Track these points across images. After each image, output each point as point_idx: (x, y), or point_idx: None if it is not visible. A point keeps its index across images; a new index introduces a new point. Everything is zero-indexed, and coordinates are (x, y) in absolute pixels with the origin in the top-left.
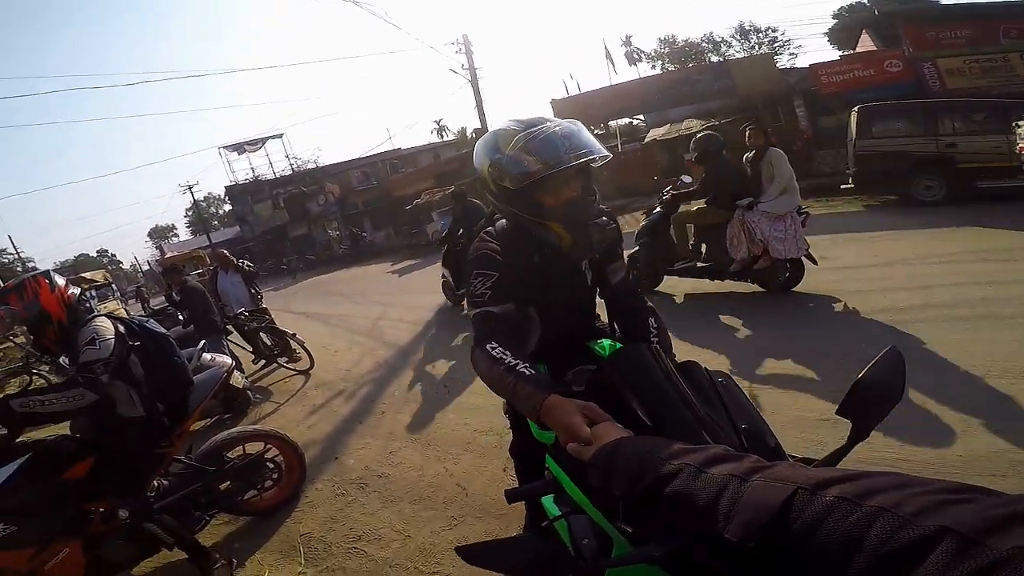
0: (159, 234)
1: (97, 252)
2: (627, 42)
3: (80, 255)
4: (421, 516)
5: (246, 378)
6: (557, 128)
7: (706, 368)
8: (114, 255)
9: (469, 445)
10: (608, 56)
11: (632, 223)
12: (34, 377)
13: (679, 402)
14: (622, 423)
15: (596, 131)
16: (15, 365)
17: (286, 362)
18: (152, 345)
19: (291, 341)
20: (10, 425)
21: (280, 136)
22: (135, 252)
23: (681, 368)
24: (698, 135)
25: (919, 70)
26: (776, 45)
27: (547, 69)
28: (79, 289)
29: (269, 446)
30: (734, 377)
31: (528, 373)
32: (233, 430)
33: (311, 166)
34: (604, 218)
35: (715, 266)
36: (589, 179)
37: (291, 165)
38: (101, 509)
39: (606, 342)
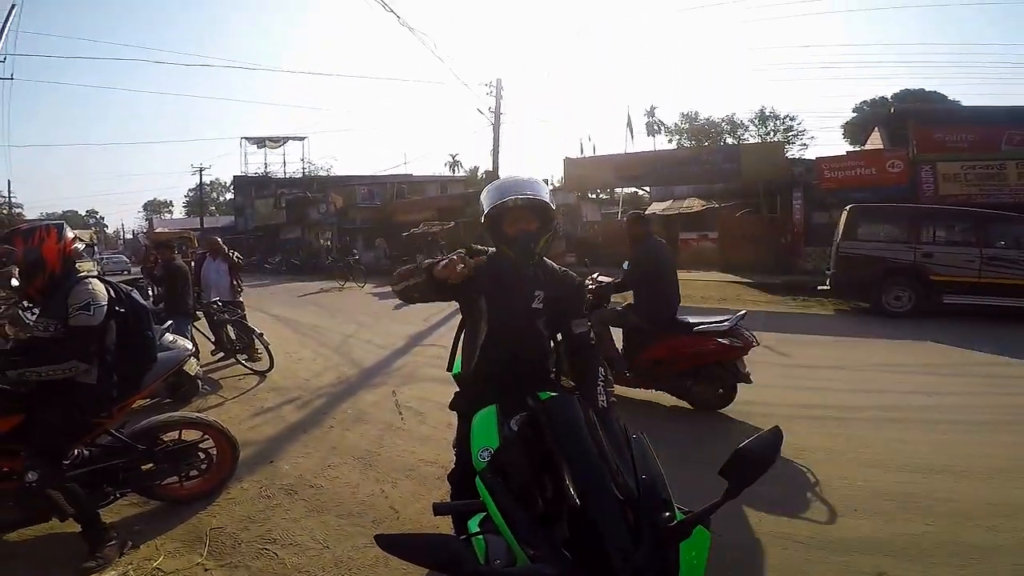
0: (154, 208)
1: (86, 211)
2: (650, 112)
3: (68, 211)
4: (346, 530)
5: (200, 367)
6: (514, 177)
7: (624, 424)
8: (102, 217)
9: (411, 472)
10: (628, 123)
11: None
12: None
13: (593, 451)
14: (545, 462)
15: (602, 195)
16: None
17: (245, 360)
18: (131, 316)
19: (256, 340)
20: (13, 386)
21: (303, 139)
22: (124, 220)
23: (602, 419)
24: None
25: (917, 173)
26: (790, 134)
27: (567, 126)
28: (83, 245)
29: (206, 436)
30: None
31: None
32: (176, 413)
33: (322, 173)
34: (563, 271)
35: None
36: (538, 221)
37: (303, 169)
38: (7, 468)
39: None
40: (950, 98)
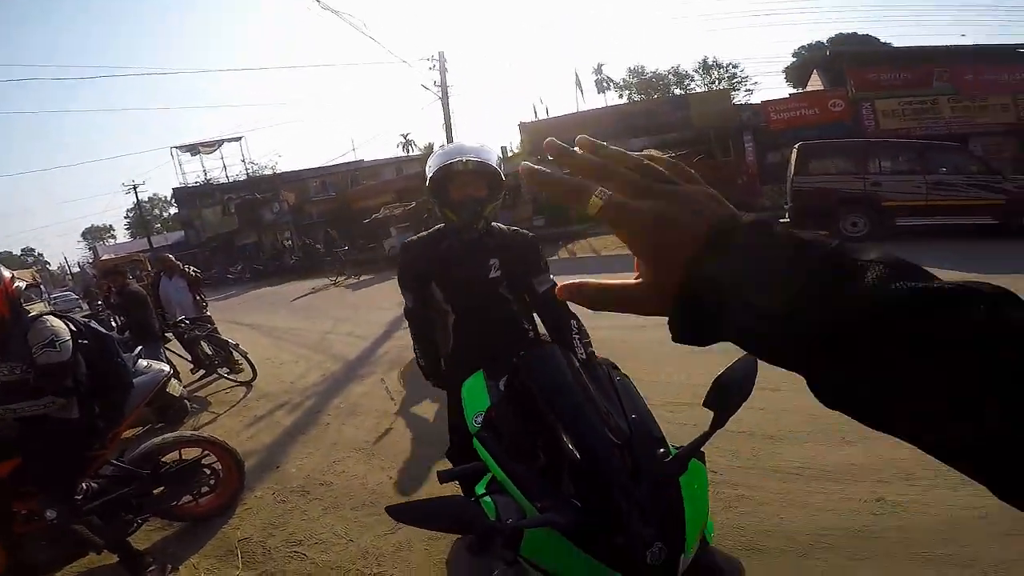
0: (94, 235)
1: (22, 251)
2: (598, 70)
3: (2, 252)
4: (363, 521)
5: (183, 387)
6: (457, 142)
7: (606, 366)
8: (40, 254)
9: (412, 454)
10: (577, 83)
11: (581, 250)
12: None
13: (581, 398)
14: (536, 416)
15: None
16: None
17: (227, 373)
18: (95, 345)
19: (233, 351)
20: None
21: (239, 139)
22: (65, 253)
23: (584, 365)
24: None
25: (858, 110)
26: (735, 81)
27: (519, 91)
28: (24, 283)
29: (206, 452)
30: None
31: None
32: (168, 435)
33: (268, 172)
34: (513, 230)
35: None
36: (486, 187)
37: (247, 170)
38: (24, 512)
39: None
40: (882, 40)
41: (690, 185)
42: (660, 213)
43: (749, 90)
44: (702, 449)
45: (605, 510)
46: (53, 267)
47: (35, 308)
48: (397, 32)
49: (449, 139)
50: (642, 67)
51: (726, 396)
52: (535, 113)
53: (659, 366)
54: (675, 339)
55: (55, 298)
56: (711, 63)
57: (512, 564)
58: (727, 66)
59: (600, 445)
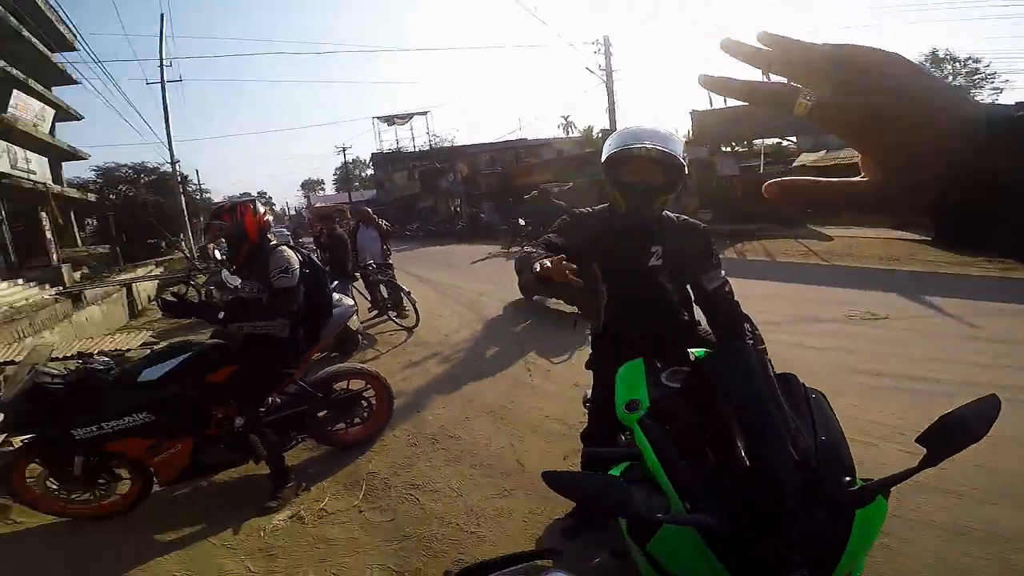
0: (309, 186)
1: (258, 193)
2: None
3: (244, 193)
4: (478, 480)
5: (360, 323)
6: (640, 126)
7: (803, 383)
8: (271, 197)
9: (537, 428)
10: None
11: (752, 252)
12: (189, 286)
13: (773, 409)
14: (707, 417)
15: (738, 148)
16: (177, 274)
17: (396, 316)
18: (313, 275)
19: (405, 298)
20: (229, 341)
21: (426, 113)
22: (287, 199)
23: (779, 378)
24: None
25: None
26: (976, 78)
27: (692, 78)
28: (271, 218)
29: (369, 386)
30: None
31: (543, 256)
32: (344, 364)
33: (447, 145)
34: (683, 219)
35: None
36: (663, 175)
37: (430, 142)
38: (221, 415)
39: (703, 352)
40: None
41: (919, 78)
42: (882, 108)
43: (998, 88)
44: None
45: (761, 524)
46: (277, 209)
47: (273, 239)
48: (565, 15)
49: (612, 122)
50: None
51: (949, 435)
52: (710, 102)
53: (831, 396)
54: (941, 237)
55: (276, 232)
56: (944, 55)
57: (621, 557)
58: (966, 60)
59: (778, 457)
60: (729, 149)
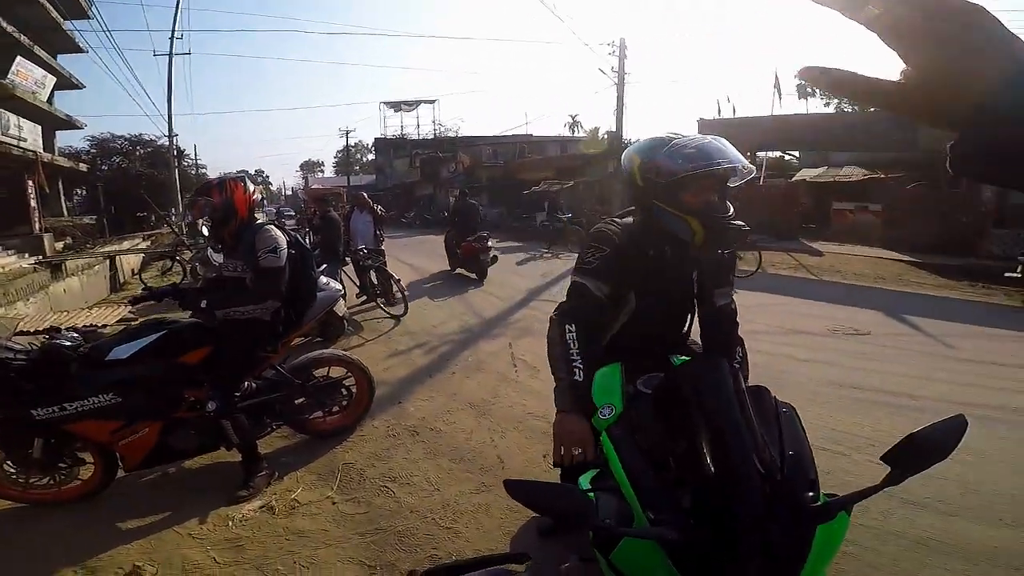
0: (309, 167)
1: (255, 171)
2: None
3: (241, 171)
4: (456, 475)
5: (347, 309)
6: (709, 139)
7: (774, 397)
8: (267, 176)
9: (519, 424)
10: (776, 84)
11: (746, 263)
12: (175, 262)
13: (740, 420)
14: (681, 431)
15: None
16: (164, 248)
17: (384, 303)
18: (299, 256)
19: (394, 286)
20: (207, 321)
21: (433, 102)
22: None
23: (750, 391)
24: None
25: None
26: None
27: (701, 86)
28: (260, 196)
29: (350, 374)
30: None
31: (574, 378)
32: (326, 351)
33: (451, 134)
34: (740, 226)
35: None
36: (726, 191)
37: (434, 131)
38: (193, 398)
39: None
40: None
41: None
42: (942, 32)
43: None
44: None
45: (721, 535)
46: (274, 188)
47: (261, 218)
48: (580, 15)
49: (619, 125)
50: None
51: (916, 453)
52: (719, 110)
53: (809, 405)
54: (954, 168)
55: (267, 211)
56: None
57: (587, 560)
58: None
59: (742, 469)
60: None
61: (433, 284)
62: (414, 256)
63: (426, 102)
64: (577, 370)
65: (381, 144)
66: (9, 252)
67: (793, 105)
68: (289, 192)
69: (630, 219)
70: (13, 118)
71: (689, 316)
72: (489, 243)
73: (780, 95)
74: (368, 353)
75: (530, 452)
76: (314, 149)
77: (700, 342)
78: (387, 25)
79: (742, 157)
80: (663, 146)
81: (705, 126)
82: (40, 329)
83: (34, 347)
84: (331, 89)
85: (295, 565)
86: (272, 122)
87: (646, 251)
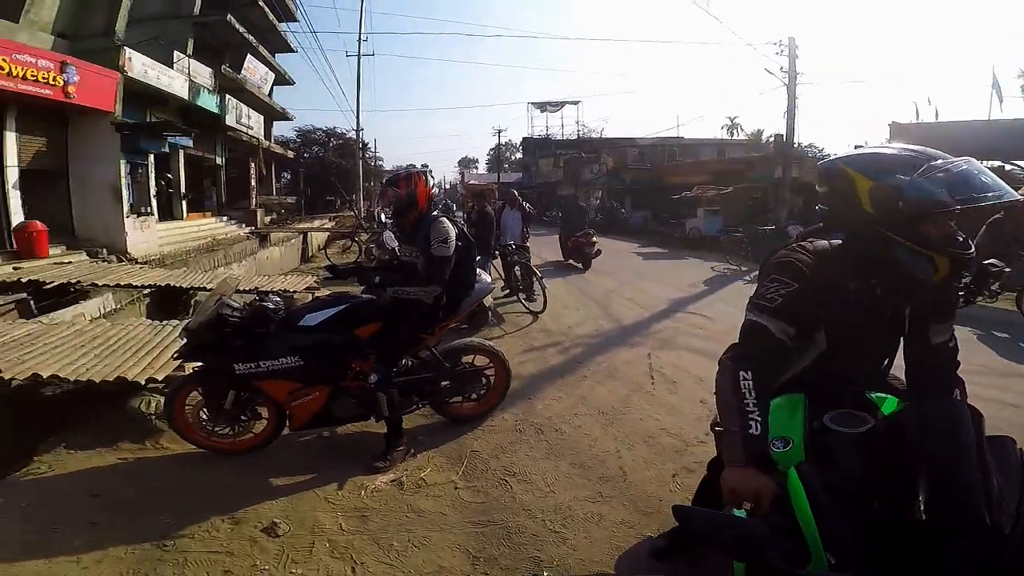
0: (465, 163)
1: (422, 165)
2: None
3: (410, 164)
4: (574, 480)
5: (493, 300)
6: (967, 165)
7: (1022, 449)
8: (431, 171)
9: (650, 439)
10: (995, 85)
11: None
12: (354, 241)
13: (975, 465)
14: (889, 475)
15: None
16: (346, 229)
17: (524, 299)
18: (464, 249)
19: (536, 282)
20: (379, 297)
21: (577, 103)
22: (444, 173)
23: (992, 440)
24: None
25: None
26: None
27: (891, 86)
28: (437, 190)
29: (491, 364)
30: None
31: (748, 432)
32: (474, 340)
33: (595, 135)
34: (1002, 267)
35: None
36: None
37: (578, 131)
38: (358, 368)
39: (892, 399)
40: None
41: None
42: None
43: None
44: None
45: None
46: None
47: (435, 210)
48: (739, 13)
49: (790, 128)
50: None
51: None
52: (916, 114)
53: None
54: None
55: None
56: None
57: None
58: None
59: (967, 518)
60: None
61: (571, 285)
62: (556, 255)
63: (571, 103)
64: (754, 423)
65: (528, 143)
66: (232, 222)
67: (1017, 108)
68: (448, 186)
69: (826, 244)
70: (245, 108)
71: (892, 353)
72: (593, 239)
73: (1001, 97)
74: (505, 346)
75: (659, 469)
76: (472, 146)
77: (903, 379)
78: (537, 26)
79: (1002, 182)
80: (910, 167)
81: (900, 131)
82: (249, 289)
83: (247, 306)
84: (484, 90)
85: (409, 544)
86: (435, 119)
87: (846, 284)
